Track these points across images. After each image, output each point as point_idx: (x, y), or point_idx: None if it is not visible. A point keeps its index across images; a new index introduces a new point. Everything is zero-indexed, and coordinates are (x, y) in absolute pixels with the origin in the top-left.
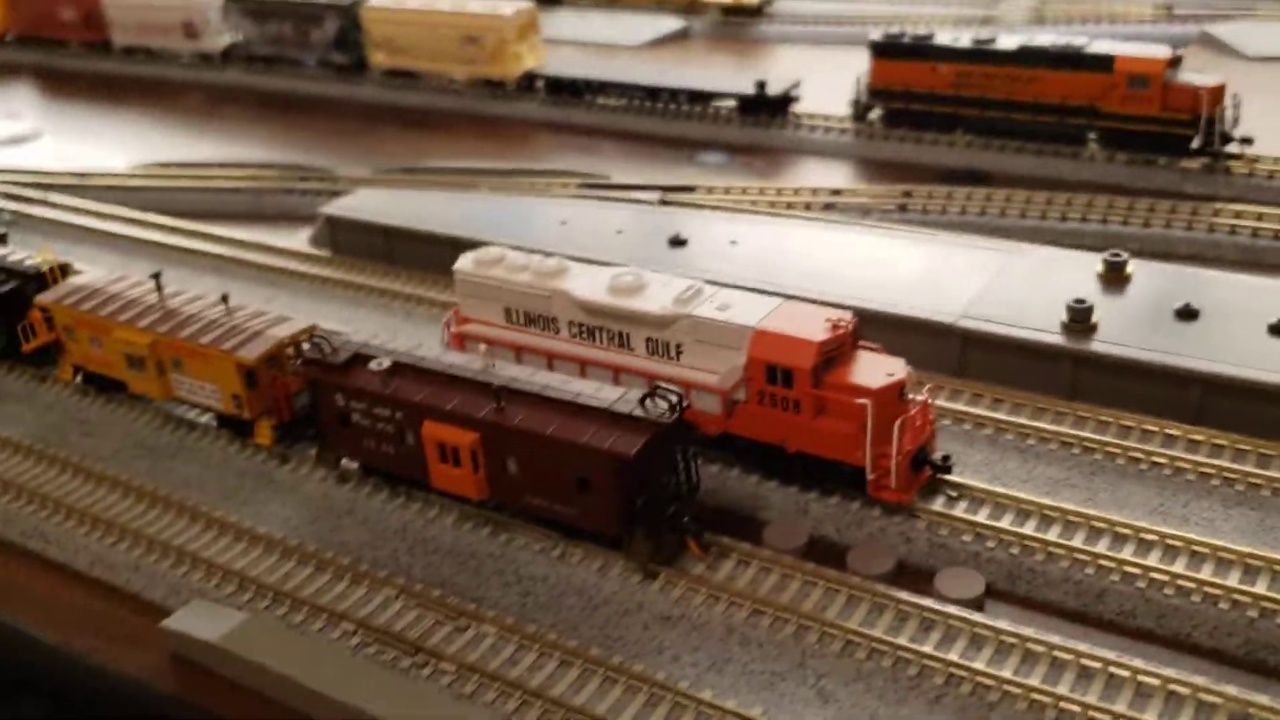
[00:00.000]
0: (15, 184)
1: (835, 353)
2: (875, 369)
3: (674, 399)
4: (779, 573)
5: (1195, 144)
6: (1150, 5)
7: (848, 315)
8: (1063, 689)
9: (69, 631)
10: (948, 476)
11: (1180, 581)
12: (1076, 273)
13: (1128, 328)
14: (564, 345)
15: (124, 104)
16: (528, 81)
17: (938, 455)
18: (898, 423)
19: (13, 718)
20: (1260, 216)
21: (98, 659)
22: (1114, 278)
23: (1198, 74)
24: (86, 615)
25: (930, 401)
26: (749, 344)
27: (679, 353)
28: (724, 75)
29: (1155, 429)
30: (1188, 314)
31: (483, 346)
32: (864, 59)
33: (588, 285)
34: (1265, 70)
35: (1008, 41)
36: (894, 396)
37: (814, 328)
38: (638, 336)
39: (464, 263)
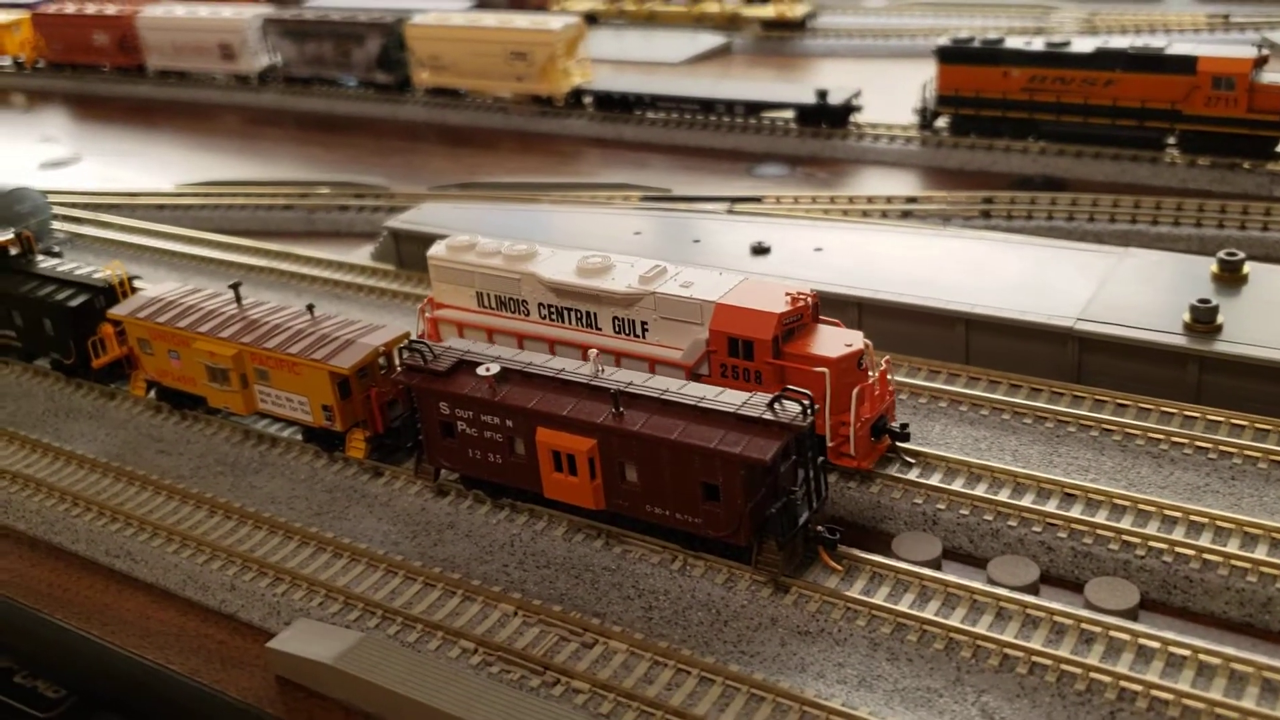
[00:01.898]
0: (65, 204)
1: (795, 325)
2: (834, 341)
3: (805, 402)
4: (918, 586)
5: None
6: (1204, 14)
7: (808, 290)
8: (1248, 704)
9: (166, 654)
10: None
11: None
12: (1189, 274)
13: (1254, 327)
14: (534, 326)
15: (160, 128)
16: (575, 98)
17: (896, 424)
18: (855, 391)
19: None
20: None
21: (198, 682)
22: (1230, 278)
23: None
24: (182, 637)
25: (889, 372)
26: (711, 318)
27: (645, 330)
28: (781, 86)
29: None
30: None
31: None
32: (910, 71)
33: (556, 267)
34: None
35: (1083, 44)
36: (852, 366)
37: (774, 301)
38: (605, 316)
39: (437, 249)
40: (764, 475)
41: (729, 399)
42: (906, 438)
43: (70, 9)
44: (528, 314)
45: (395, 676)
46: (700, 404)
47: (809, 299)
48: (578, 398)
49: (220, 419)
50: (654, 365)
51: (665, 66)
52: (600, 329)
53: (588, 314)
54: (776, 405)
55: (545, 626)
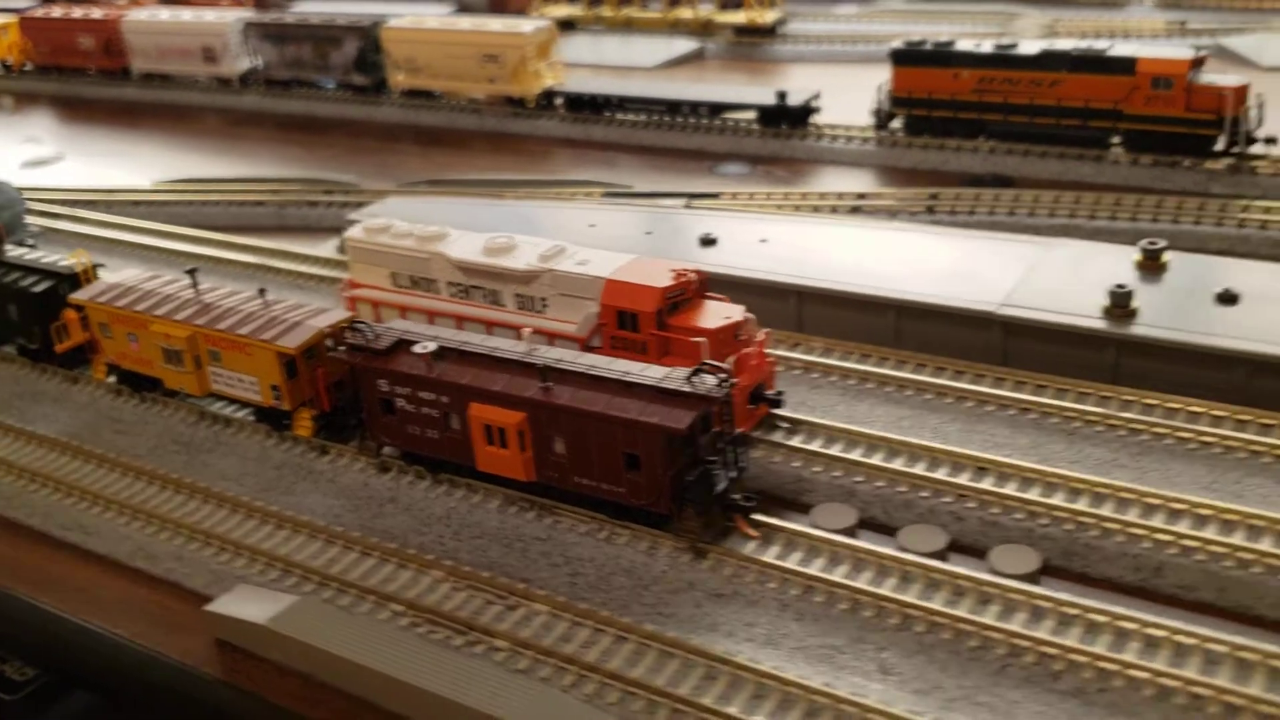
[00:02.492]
0: (43, 201)
1: (679, 299)
2: (715, 314)
3: (722, 375)
4: (829, 551)
5: (1220, 145)
6: (1163, 21)
7: (692, 267)
8: (1130, 656)
9: (112, 619)
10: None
11: (1240, 554)
12: (1113, 263)
13: (1168, 312)
14: (443, 304)
15: (143, 128)
16: (547, 99)
17: (772, 392)
18: (731, 360)
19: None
20: None
21: (141, 645)
22: (1151, 266)
23: (1221, 75)
24: (129, 604)
25: (766, 343)
26: (601, 292)
27: (544, 306)
28: (743, 88)
29: (1201, 410)
30: (1228, 299)
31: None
32: (876, 75)
33: (463, 248)
34: (1276, 79)
35: (1030, 47)
36: (729, 337)
37: (659, 277)
38: (507, 293)
39: (354, 232)
40: (682, 445)
41: (652, 374)
42: (779, 404)
43: (57, 13)
44: (438, 292)
45: (325, 636)
46: (625, 378)
47: (693, 276)
48: (509, 374)
49: (178, 401)
50: (552, 339)
51: (641, 70)
52: (504, 305)
53: (492, 291)
54: (695, 378)
55: (473, 591)
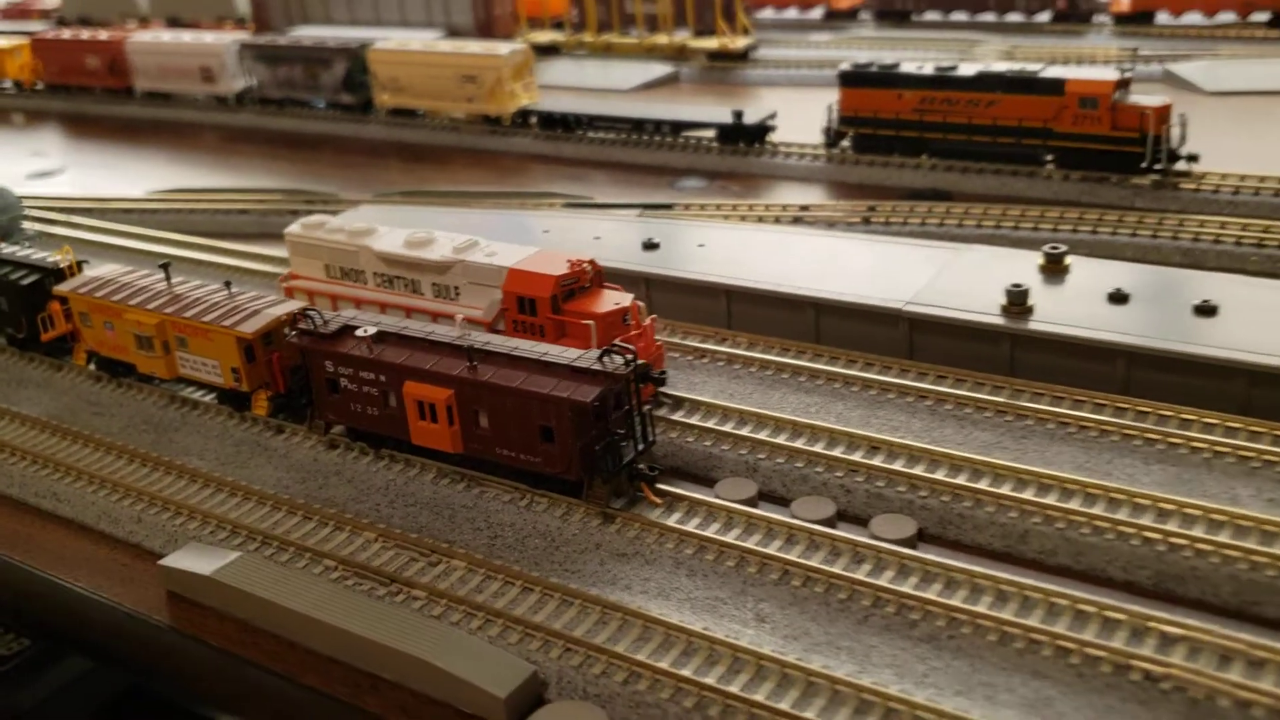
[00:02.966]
0: (40, 208)
1: (573, 286)
2: (606, 301)
3: (629, 355)
4: (724, 517)
5: (1144, 162)
6: (1116, 48)
7: (588, 258)
8: (981, 608)
9: (74, 574)
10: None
11: (1096, 522)
12: (1018, 267)
13: (1062, 310)
14: (369, 293)
15: (143, 143)
16: (522, 117)
17: (658, 372)
18: (617, 341)
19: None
20: (1202, 224)
21: (99, 595)
22: (1053, 269)
23: (1146, 96)
24: (91, 561)
25: (654, 328)
26: (504, 280)
27: (457, 293)
28: (704, 108)
29: (1085, 398)
30: (1119, 298)
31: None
32: (834, 98)
33: (387, 242)
34: (1221, 103)
35: (967, 69)
36: (617, 321)
37: (556, 266)
38: (425, 282)
39: (293, 228)
40: (590, 417)
41: (568, 355)
42: (663, 383)
43: (66, 35)
44: (365, 282)
45: (259, 586)
46: (543, 359)
47: (588, 266)
48: (440, 355)
49: (151, 385)
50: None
51: (619, 93)
52: (423, 294)
53: (412, 281)
54: (605, 358)
55: (400, 550)
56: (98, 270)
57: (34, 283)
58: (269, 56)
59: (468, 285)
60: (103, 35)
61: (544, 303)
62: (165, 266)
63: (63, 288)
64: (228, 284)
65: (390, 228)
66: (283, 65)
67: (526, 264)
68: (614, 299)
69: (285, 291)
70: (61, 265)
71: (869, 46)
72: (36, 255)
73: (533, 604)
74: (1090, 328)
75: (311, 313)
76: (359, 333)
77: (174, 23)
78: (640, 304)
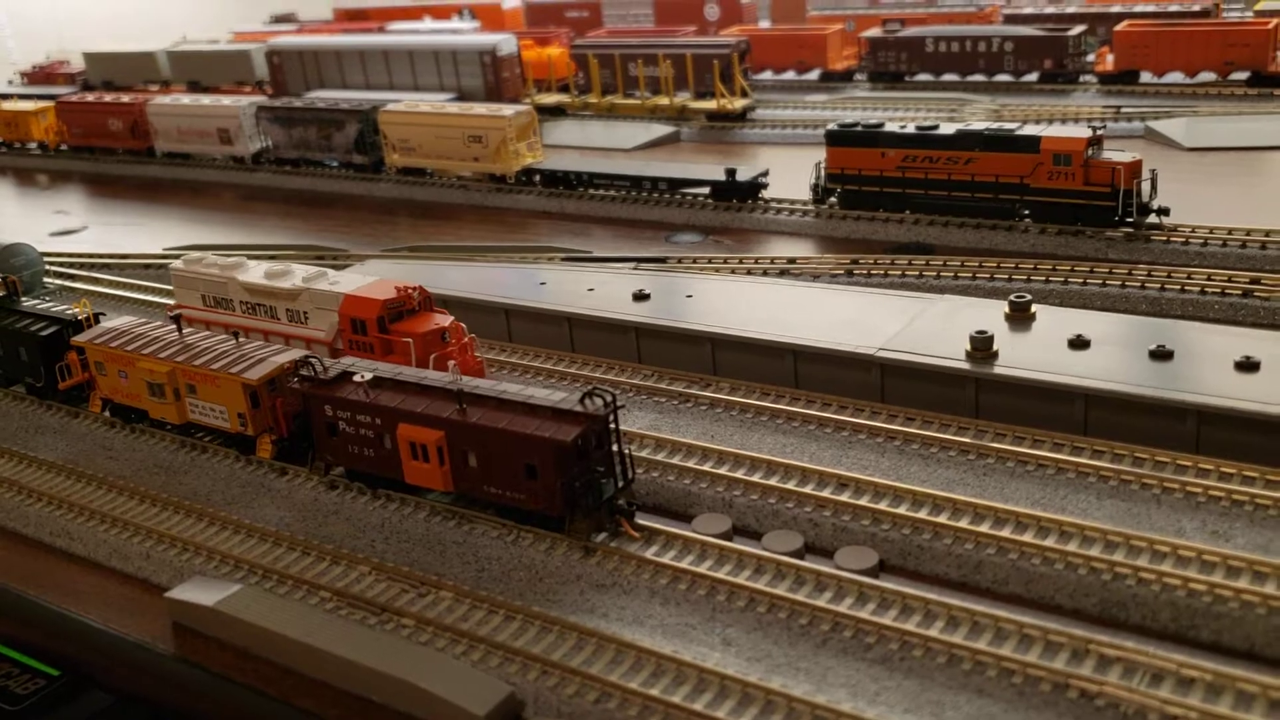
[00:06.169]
0: (62, 265)
1: (402, 310)
2: (429, 322)
3: (609, 397)
4: (698, 549)
5: (1116, 215)
6: (1101, 106)
7: (416, 286)
8: (933, 632)
9: (85, 607)
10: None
11: (1047, 554)
12: (986, 315)
13: (1025, 356)
14: (236, 319)
15: (163, 202)
16: (526, 176)
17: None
18: (433, 356)
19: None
20: (1169, 274)
21: (108, 628)
22: (1019, 317)
23: (1117, 152)
24: (102, 595)
25: (474, 347)
26: (340, 305)
27: (306, 318)
28: (699, 166)
29: (1044, 438)
30: (1080, 344)
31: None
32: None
33: (251, 273)
34: (1198, 159)
35: (947, 128)
36: (436, 339)
37: (384, 292)
38: (281, 308)
39: (176, 264)
40: (571, 455)
41: (552, 398)
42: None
43: (90, 98)
44: (233, 309)
45: (259, 615)
46: (528, 401)
47: (414, 291)
48: (431, 398)
49: (162, 430)
50: (309, 343)
51: (621, 151)
52: (279, 319)
53: (270, 307)
54: (586, 400)
55: (391, 581)
56: (113, 322)
57: (53, 334)
58: (284, 118)
59: (314, 310)
60: (125, 99)
61: (372, 323)
62: (176, 318)
63: (80, 338)
64: (235, 334)
65: (257, 262)
66: (297, 127)
67: (360, 290)
68: (436, 320)
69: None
70: (79, 317)
71: (862, 106)
72: (56, 308)
73: (514, 630)
74: (1051, 371)
75: (312, 360)
76: (356, 378)
77: (194, 86)
78: (462, 325)
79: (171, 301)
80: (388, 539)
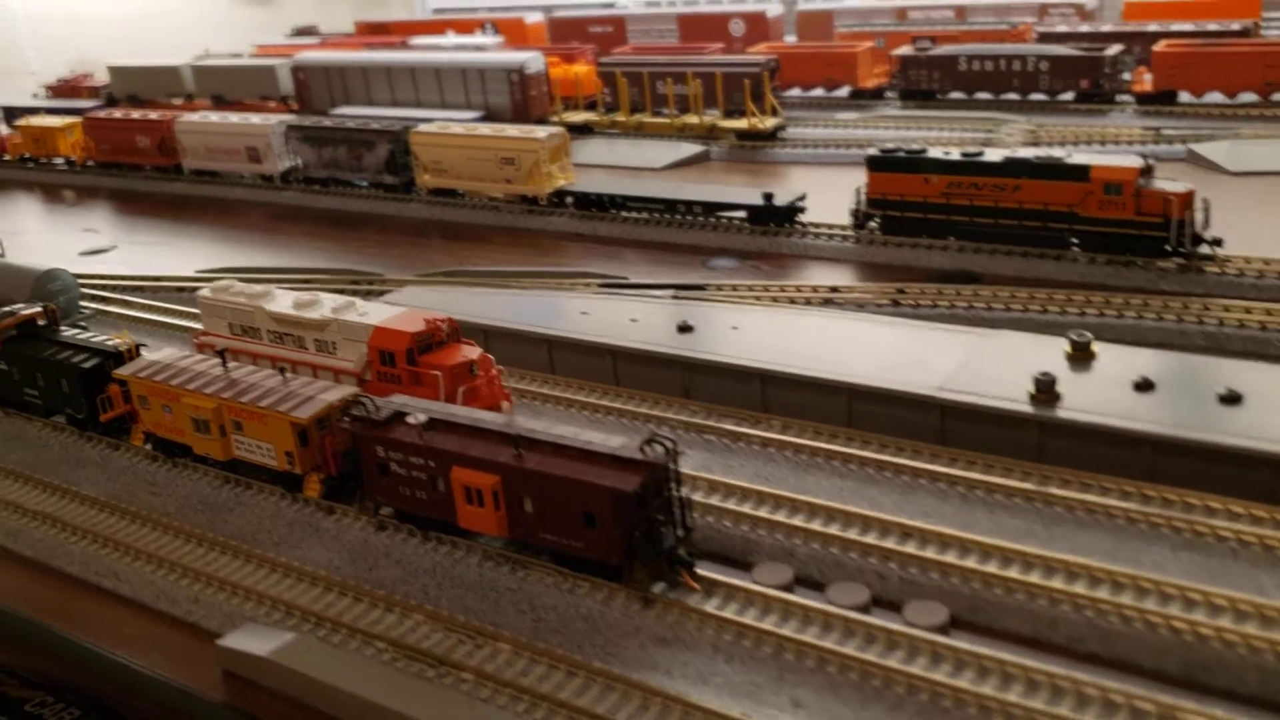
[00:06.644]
0: (95, 286)
1: (431, 342)
2: (457, 354)
3: (669, 445)
4: (762, 603)
5: (1169, 246)
6: (1140, 129)
7: (445, 317)
8: (1011, 697)
9: (132, 652)
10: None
11: (1124, 611)
12: (1045, 353)
13: (1089, 398)
14: (263, 348)
15: (191, 221)
16: (559, 198)
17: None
18: (461, 389)
19: None
20: (1226, 308)
21: (156, 674)
22: (1079, 356)
23: (1169, 181)
24: (150, 640)
25: (500, 377)
26: (370, 336)
27: (334, 348)
28: (735, 189)
29: (1111, 485)
30: (1144, 386)
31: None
32: (861, 178)
33: (279, 303)
34: (1244, 184)
35: (993, 155)
36: (464, 372)
37: (414, 324)
38: (309, 338)
39: (204, 292)
40: (632, 505)
41: (610, 444)
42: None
43: (117, 114)
44: (261, 338)
45: (316, 668)
46: (586, 447)
47: (443, 323)
48: (487, 442)
49: (206, 466)
50: (337, 374)
51: (650, 171)
52: (307, 349)
53: (298, 337)
54: (646, 447)
55: (447, 632)
56: (156, 354)
57: (95, 366)
58: (314, 138)
59: (343, 341)
60: (153, 115)
61: (401, 355)
62: (222, 353)
63: (122, 371)
64: (282, 370)
65: (285, 291)
66: (327, 146)
67: (389, 322)
68: (464, 353)
69: (197, 347)
70: (121, 349)
71: (894, 125)
72: (96, 339)
73: (577, 688)
74: (1116, 416)
75: (364, 399)
76: (410, 419)
77: (218, 100)
78: (490, 356)
79: (200, 327)
80: (440, 584)
